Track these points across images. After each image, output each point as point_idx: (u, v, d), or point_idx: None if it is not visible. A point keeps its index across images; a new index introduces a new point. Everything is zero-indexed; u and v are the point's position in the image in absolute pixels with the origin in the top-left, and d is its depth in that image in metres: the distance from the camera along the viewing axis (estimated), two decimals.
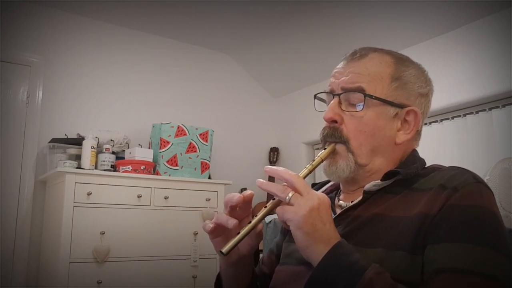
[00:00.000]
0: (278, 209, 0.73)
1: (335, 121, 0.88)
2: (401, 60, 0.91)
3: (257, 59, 3.83)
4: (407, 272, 0.71)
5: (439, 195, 0.76)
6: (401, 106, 0.87)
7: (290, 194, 0.72)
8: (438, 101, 2.73)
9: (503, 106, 2.53)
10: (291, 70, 3.71)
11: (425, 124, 2.87)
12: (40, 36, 3.07)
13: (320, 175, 0.97)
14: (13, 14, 2.97)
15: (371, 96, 0.85)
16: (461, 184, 0.76)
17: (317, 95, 0.98)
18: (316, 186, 1.05)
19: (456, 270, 0.68)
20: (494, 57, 2.52)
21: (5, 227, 2.75)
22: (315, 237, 0.70)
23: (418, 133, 0.93)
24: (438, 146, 2.78)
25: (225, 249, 0.74)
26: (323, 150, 0.88)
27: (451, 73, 2.72)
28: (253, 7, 3.05)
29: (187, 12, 3.17)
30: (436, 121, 2.84)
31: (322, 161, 0.86)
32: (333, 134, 0.88)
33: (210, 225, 0.80)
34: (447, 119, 2.79)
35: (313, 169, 0.84)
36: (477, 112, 2.65)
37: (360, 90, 0.86)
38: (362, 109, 0.85)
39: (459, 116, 2.74)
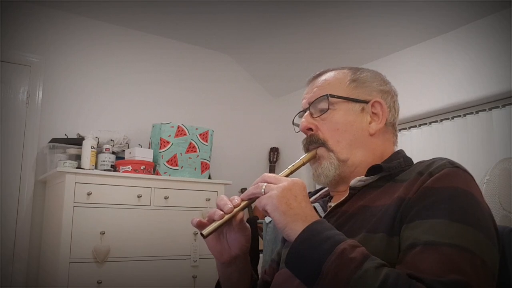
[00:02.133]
0: (256, 201, 0.79)
1: (311, 129, 0.96)
2: (355, 68, 1.00)
3: (257, 59, 3.83)
4: (385, 252, 0.73)
5: (416, 181, 0.79)
6: (364, 101, 0.95)
7: (263, 186, 0.79)
8: (438, 101, 2.76)
9: (503, 106, 2.52)
10: (291, 70, 3.70)
11: (425, 124, 2.90)
12: (40, 36, 3.07)
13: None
14: (13, 14, 2.97)
15: (333, 96, 0.94)
16: (437, 169, 0.78)
17: (294, 121, 1.06)
18: (309, 194, 1.08)
19: (429, 243, 0.69)
20: (494, 57, 2.52)
21: (5, 227, 2.75)
22: (292, 215, 0.74)
23: (392, 126, 0.98)
24: (438, 146, 2.78)
25: (205, 231, 0.79)
26: (305, 154, 0.95)
27: (451, 73, 2.72)
28: (253, 7, 3.04)
29: (187, 12, 3.17)
30: (436, 121, 2.84)
31: (303, 163, 0.93)
32: (312, 140, 0.95)
33: (196, 219, 0.85)
34: (447, 119, 2.79)
35: (295, 170, 0.90)
36: (477, 112, 2.65)
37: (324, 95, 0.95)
38: (328, 108, 0.94)
39: (459, 116, 2.73)
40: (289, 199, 0.75)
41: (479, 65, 2.59)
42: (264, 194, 0.78)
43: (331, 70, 1.00)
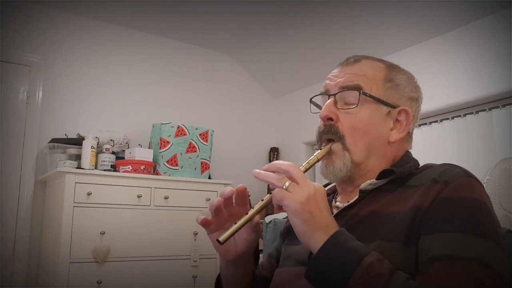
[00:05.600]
0: (277, 191, 0.74)
1: (331, 119, 0.90)
2: (392, 66, 0.96)
3: (257, 59, 3.83)
4: (402, 262, 0.72)
5: (431, 189, 0.78)
6: (393, 106, 0.91)
7: (287, 183, 0.74)
8: (438, 101, 2.76)
9: (503, 106, 2.53)
10: (291, 70, 3.70)
11: (425, 124, 2.90)
12: (40, 36, 3.06)
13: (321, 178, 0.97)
14: (13, 14, 2.97)
15: (365, 94, 0.89)
16: (452, 178, 0.78)
17: (313, 99, 1.00)
18: None
19: (451, 257, 0.69)
20: (494, 57, 2.52)
21: (5, 227, 2.75)
22: (313, 224, 0.72)
23: (409, 135, 0.95)
24: (438, 146, 2.78)
25: (222, 238, 0.76)
26: (319, 150, 0.90)
27: (451, 73, 2.73)
28: (253, 7, 3.04)
29: (187, 12, 3.17)
30: (436, 121, 2.84)
31: (318, 160, 0.89)
32: (329, 131, 0.90)
33: (201, 217, 0.83)
34: (447, 119, 2.79)
35: (309, 167, 0.86)
36: (477, 112, 2.65)
37: (357, 88, 0.89)
38: (357, 106, 0.88)
39: (459, 116, 2.74)
40: (312, 207, 0.72)
41: (479, 65, 2.59)
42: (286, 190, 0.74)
43: (367, 58, 0.95)
